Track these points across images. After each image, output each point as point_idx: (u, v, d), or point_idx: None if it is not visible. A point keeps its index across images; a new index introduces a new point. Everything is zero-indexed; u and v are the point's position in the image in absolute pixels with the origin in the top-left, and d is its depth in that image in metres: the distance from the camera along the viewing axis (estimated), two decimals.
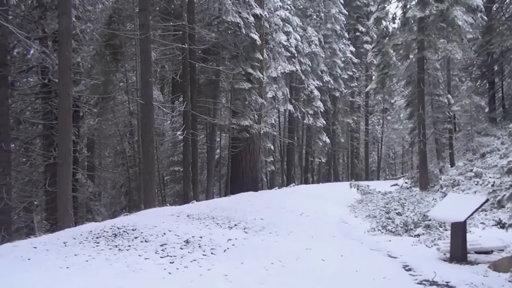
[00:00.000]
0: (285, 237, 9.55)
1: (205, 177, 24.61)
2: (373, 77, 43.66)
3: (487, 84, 32.19)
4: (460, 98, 27.23)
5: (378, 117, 47.89)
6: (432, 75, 22.70)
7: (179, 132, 20.29)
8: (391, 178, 45.90)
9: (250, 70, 20.31)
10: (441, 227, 10.28)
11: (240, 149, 22.74)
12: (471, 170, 17.95)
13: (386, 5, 21.55)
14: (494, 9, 30.46)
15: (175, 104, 21.31)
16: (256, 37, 19.99)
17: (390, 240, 9.81)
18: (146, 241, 7.63)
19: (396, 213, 12.12)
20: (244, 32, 19.32)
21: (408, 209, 12.27)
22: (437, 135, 23.74)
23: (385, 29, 22.35)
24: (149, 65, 14.34)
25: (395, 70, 21.69)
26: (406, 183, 24.26)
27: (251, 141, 23.17)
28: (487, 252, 8.23)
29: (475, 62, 30.95)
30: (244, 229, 10.02)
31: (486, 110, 32.33)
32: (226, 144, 26.12)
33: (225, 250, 7.64)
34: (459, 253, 7.78)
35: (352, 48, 38.92)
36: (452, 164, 24.73)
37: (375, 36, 41.97)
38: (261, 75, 21.59)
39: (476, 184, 15.34)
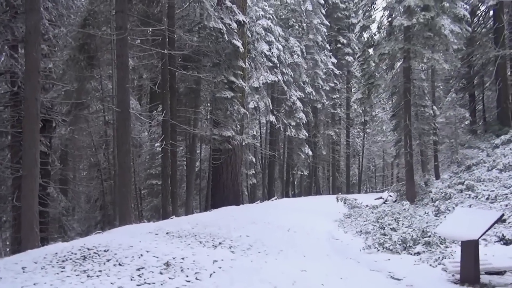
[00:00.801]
0: (276, 257, 8.66)
1: (184, 190, 23.60)
2: (353, 88, 43.61)
3: (468, 97, 32.15)
4: (444, 109, 26.92)
5: (358, 129, 47.59)
6: (417, 85, 22.26)
7: (157, 144, 19.28)
8: (373, 191, 45.49)
9: (232, 78, 19.46)
10: (442, 244, 9.53)
11: (221, 161, 21.82)
12: (461, 183, 17.42)
13: (372, 13, 21.14)
14: (475, 21, 30.52)
15: (154, 113, 20.33)
16: (239, 44, 19.20)
17: (389, 259, 9.00)
18: (120, 265, 6.64)
19: (391, 228, 11.34)
20: (226, 38, 18.50)
21: (403, 224, 11.52)
22: (422, 146, 23.23)
23: (370, 38, 21.87)
24: (126, 70, 13.38)
25: (381, 80, 21.16)
26: (391, 196, 23.66)
27: (232, 153, 22.28)
28: (500, 272, 7.49)
29: (457, 74, 30.84)
30: (230, 248, 9.09)
31: (467, 122, 32.23)
32: (206, 156, 25.18)
33: (211, 274, 6.70)
34: (471, 274, 7.01)
35: (333, 60, 38.51)
36: (437, 177, 24.29)
37: (356, 48, 42.00)
38: (243, 84, 20.78)
39: (468, 197, 14.75)
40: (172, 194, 17.53)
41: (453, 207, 13.60)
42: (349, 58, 40.62)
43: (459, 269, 7.28)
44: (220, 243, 9.41)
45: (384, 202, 22.30)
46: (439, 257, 8.50)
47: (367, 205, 18.31)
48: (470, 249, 6.98)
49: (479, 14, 30.85)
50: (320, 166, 43.60)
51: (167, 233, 9.86)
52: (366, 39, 22.40)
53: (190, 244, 8.91)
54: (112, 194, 18.25)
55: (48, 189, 17.12)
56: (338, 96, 40.59)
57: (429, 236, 9.74)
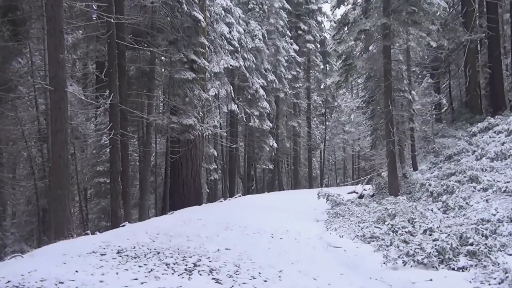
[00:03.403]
0: (280, 285, 6.02)
1: (137, 189, 20.50)
2: (311, 79, 41.49)
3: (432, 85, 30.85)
4: (419, 96, 25.19)
5: (317, 121, 45.74)
6: (395, 68, 20.22)
7: (105, 136, 16.19)
8: (340, 185, 43.86)
9: (193, 57, 16.52)
10: (490, 253, 7.22)
11: (180, 154, 18.96)
12: (452, 174, 15.56)
13: None
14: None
15: (100, 100, 17.09)
16: (200, 17, 16.34)
17: (431, 279, 6.55)
18: None
19: (406, 231, 9.01)
20: (186, 9, 15.59)
21: (420, 226, 9.20)
22: (401, 134, 21.24)
23: (345, 15, 19.66)
24: (60, 38, 10.29)
25: (360, 61, 18.95)
26: (365, 190, 21.62)
27: (193, 145, 19.46)
28: None
29: (427, 59, 29.34)
30: (211, 272, 6.33)
31: (433, 111, 30.92)
32: (163, 150, 22.18)
33: None
34: None
35: (295, 47, 36.03)
36: (415, 168, 22.43)
37: (317, 35, 39.96)
38: (206, 63, 17.92)
39: (474, 190, 12.67)
40: (123, 194, 14.51)
41: (466, 203, 11.47)
42: (310, 46, 38.38)
43: None
44: (195, 265, 6.65)
45: (359, 197, 20.27)
46: (506, 277, 6.12)
47: (352, 201, 16.00)
48: None
49: None
50: (281, 159, 41.33)
51: (118, 252, 6.99)
52: (340, 16, 20.24)
53: (154, 269, 6.09)
54: (48, 196, 15.08)
55: None
56: (300, 85, 38.32)
57: (472, 244, 7.38)
